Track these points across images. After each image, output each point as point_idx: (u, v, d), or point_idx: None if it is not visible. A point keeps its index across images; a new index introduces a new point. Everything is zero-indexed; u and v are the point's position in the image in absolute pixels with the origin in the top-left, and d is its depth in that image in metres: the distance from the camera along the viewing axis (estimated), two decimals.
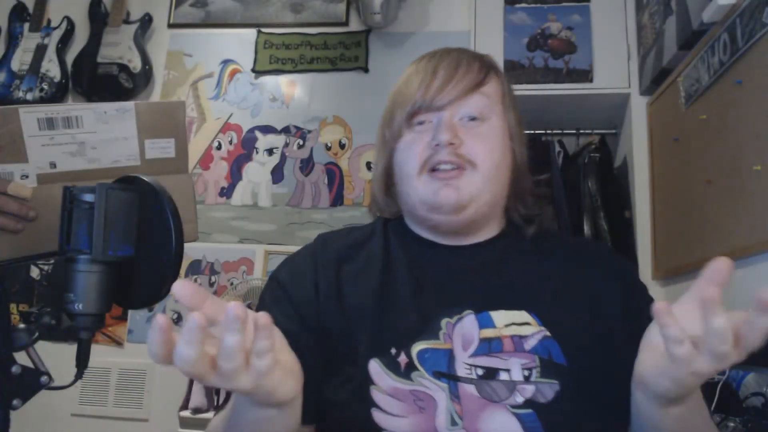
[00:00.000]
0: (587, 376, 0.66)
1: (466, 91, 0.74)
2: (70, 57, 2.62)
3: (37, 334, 0.61)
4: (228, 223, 2.46)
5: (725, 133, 1.52)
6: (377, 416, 0.63)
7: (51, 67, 2.58)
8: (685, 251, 1.76)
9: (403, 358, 0.66)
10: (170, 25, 2.70)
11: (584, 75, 2.19)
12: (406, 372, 0.65)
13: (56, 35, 2.63)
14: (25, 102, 2.54)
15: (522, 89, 2.23)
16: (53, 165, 0.74)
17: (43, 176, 0.74)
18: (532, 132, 2.39)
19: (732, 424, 1.11)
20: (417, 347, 0.67)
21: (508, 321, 0.68)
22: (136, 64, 2.55)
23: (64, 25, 2.65)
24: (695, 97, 1.71)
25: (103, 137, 0.72)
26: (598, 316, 0.71)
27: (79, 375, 0.65)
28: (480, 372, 0.65)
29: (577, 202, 2.22)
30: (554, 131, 2.39)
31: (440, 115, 0.74)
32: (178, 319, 2.36)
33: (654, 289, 2.01)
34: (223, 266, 2.42)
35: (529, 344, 0.67)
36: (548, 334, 0.67)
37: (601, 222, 2.13)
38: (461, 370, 0.65)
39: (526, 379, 0.64)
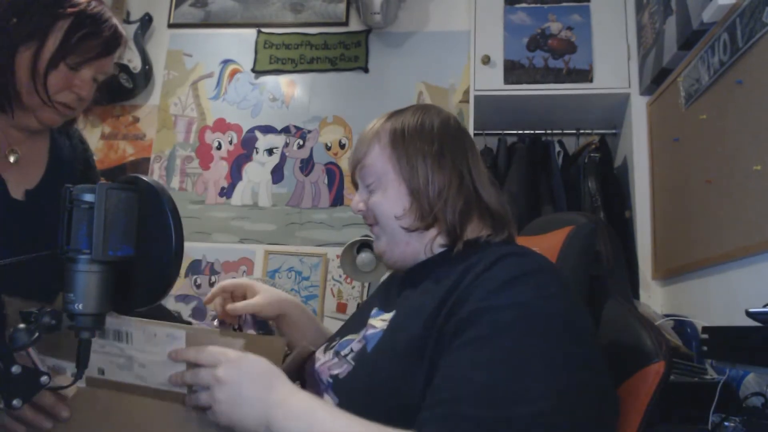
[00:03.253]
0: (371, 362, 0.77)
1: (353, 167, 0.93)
2: None
3: (37, 334, 0.61)
4: (228, 223, 2.46)
5: (725, 133, 1.52)
6: None
7: None
8: (685, 251, 1.76)
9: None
10: (170, 25, 2.70)
11: (584, 75, 2.19)
12: None
13: None
14: None
15: (522, 89, 2.23)
16: (101, 372, 0.74)
17: (91, 380, 0.74)
18: (532, 132, 2.39)
19: (732, 424, 1.11)
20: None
21: (382, 317, 0.83)
22: (136, 64, 2.55)
23: None
24: (695, 97, 1.71)
25: (152, 358, 0.72)
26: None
27: (78, 375, 0.65)
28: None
29: (577, 202, 2.22)
30: (554, 131, 2.39)
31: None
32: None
33: (654, 289, 2.01)
34: (223, 266, 2.42)
35: (368, 333, 0.81)
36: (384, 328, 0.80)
37: (602, 219, 2.13)
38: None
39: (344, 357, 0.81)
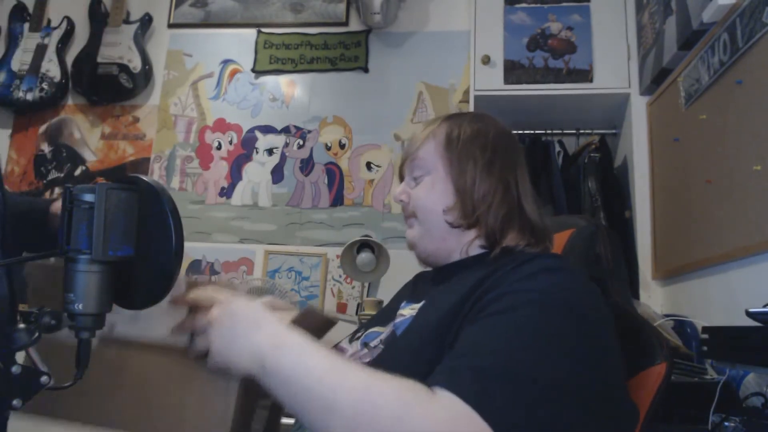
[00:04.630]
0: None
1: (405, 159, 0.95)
2: (70, 57, 2.62)
3: (37, 334, 0.61)
4: (228, 223, 2.46)
5: (725, 133, 1.52)
6: None
7: (51, 67, 2.58)
8: (685, 251, 1.76)
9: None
10: (170, 25, 2.70)
11: (584, 75, 2.19)
12: None
13: (56, 35, 2.63)
14: (25, 102, 2.54)
15: (522, 89, 2.23)
16: (112, 326, 0.74)
17: (102, 338, 0.72)
18: (532, 132, 2.39)
19: (732, 424, 1.11)
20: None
21: (411, 306, 0.86)
22: (136, 64, 2.55)
23: (64, 25, 2.65)
24: (695, 97, 1.71)
25: (156, 310, 0.72)
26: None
27: (79, 375, 0.65)
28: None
29: (577, 202, 2.22)
30: (554, 131, 2.39)
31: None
32: None
33: (654, 288, 2.01)
34: (223, 266, 2.42)
35: (397, 321, 0.84)
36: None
37: (601, 222, 2.13)
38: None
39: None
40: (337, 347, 0.90)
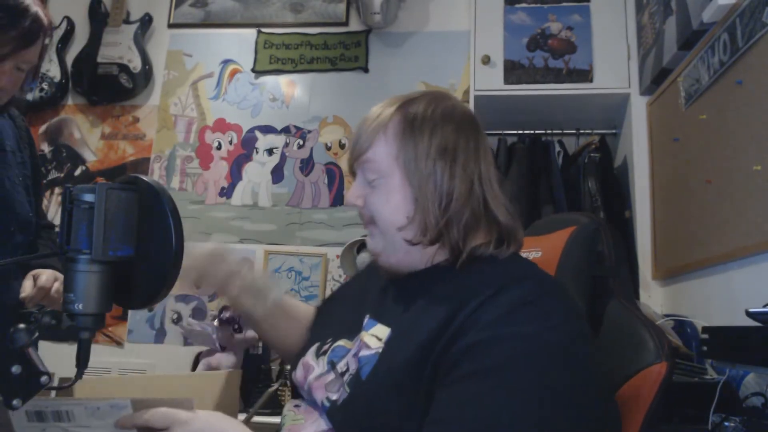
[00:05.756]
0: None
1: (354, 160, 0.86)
2: (70, 57, 2.62)
3: (37, 334, 0.61)
4: (228, 223, 2.46)
5: (725, 133, 1.52)
6: None
7: (51, 67, 2.58)
8: (685, 251, 1.76)
9: None
10: (170, 25, 2.70)
11: (584, 75, 2.19)
12: None
13: (56, 35, 2.63)
14: (25, 102, 2.53)
15: (522, 89, 2.23)
16: None
17: None
18: (532, 132, 2.39)
19: (732, 424, 1.11)
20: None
21: (376, 332, 0.78)
22: (136, 64, 2.55)
23: (64, 25, 2.65)
24: (695, 97, 1.71)
25: None
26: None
27: (79, 375, 0.65)
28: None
29: (577, 202, 2.22)
30: (554, 131, 2.39)
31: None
32: (178, 319, 2.36)
33: (654, 289, 2.01)
34: None
35: (362, 354, 0.76)
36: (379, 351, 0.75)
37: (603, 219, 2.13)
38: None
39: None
40: (304, 363, 0.85)
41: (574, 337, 0.68)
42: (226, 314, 1.86)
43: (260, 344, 1.94)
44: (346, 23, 2.59)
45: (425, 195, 0.77)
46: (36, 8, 1.02)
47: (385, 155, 0.80)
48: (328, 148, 2.48)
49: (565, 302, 0.72)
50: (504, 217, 0.80)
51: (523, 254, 1.02)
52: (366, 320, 0.82)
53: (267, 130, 2.54)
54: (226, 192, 2.50)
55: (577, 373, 0.66)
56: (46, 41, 1.09)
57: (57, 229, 0.72)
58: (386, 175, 0.80)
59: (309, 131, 2.51)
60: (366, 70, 2.52)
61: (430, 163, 0.78)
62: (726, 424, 1.11)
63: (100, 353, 2.36)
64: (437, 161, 0.78)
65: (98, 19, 2.63)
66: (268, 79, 2.59)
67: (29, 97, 2.53)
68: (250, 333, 1.87)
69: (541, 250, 1.04)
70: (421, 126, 0.80)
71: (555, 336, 0.66)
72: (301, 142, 2.51)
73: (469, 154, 0.80)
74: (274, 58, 2.60)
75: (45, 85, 2.56)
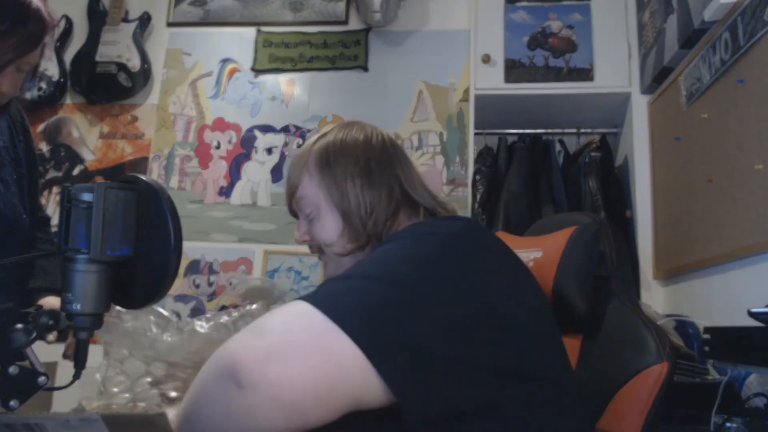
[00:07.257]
0: None
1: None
2: (69, 56, 2.61)
3: (34, 334, 0.60)
4: (227, 223, 2.46)
5: (726, 132, 1.52)
6: None
7: (49, 66, 2.57)
8: (686, 250, 1.75)
9: None
10: (169, 24, 2.69)
11: (585, 74, 2.19)
12: None
13: (55, 34, 2.62)
14: (24, 101, 2.52)
15: (522, 88, 2.23)
16: None
17: None
18: (533, 131, 2.39)
19: (734, 425, 1.10)
20: None
21: None
22: (134, 63, 2.54)
23: (62, 24, 2.64)
24: (696, 95, 1.71)
25: None
26: None
27: (77, 375, 0.64)
28: None
29: (577, 201, 2.22)
30: (555, 130, 2.39)
31: None
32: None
33: (655, 288, 2.01)
34: (221, 266, 2.41)
35: None
36: None
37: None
38: None
39: None
40: None
41: (437, 256, 0.67)
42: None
43: None
44: (345, 22, 2.58)
45: (349, 208, 0.86)
46: (38, 3, 1.01)
47: (311, 188, 0.90)
48: None
49: (454, 242, 0.70)
50: (430, 204, 0.87)
51: (523, 254, 1.02)
52: None
53: (266, 129, 2.54)
54: (225, 191, 2.50)
55: (419, 271, 0.65)
56: (47, 39, 1.08)
57: (55, 229, 0.71)
58: (317, 206, 0.89)
59: (308, 130, 2.51)
60: (366, 69, 2.52)
61: (348, 181, 0.86)
62: (728, 425, 1.11)
63: (99, 353, 2.35)
64: (355, 179, 0.86)
65: (97, 17, 2.62)
66: (268, 78, 2.58)
67: (27, 96, 2.52)
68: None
69: (541, 250, 1.04)
70: (335, 153, 0.89)
71: (422, 247, 0.68)
72: (301, 141, 2.50)
73: (384, 164, 0.88)
74: (274, 57, 2.59)
75: (43, 84, 2.55)
